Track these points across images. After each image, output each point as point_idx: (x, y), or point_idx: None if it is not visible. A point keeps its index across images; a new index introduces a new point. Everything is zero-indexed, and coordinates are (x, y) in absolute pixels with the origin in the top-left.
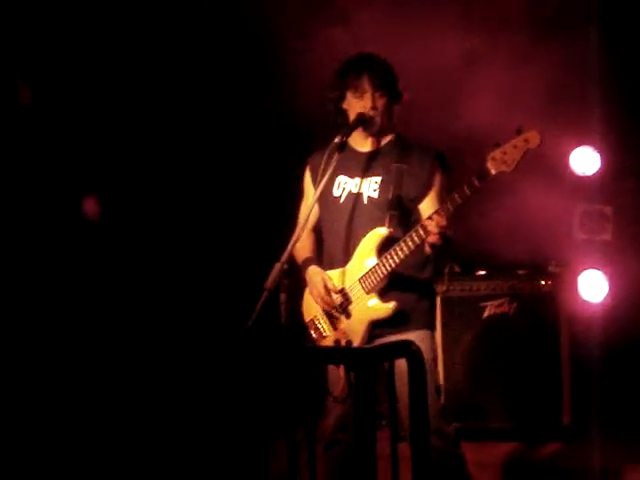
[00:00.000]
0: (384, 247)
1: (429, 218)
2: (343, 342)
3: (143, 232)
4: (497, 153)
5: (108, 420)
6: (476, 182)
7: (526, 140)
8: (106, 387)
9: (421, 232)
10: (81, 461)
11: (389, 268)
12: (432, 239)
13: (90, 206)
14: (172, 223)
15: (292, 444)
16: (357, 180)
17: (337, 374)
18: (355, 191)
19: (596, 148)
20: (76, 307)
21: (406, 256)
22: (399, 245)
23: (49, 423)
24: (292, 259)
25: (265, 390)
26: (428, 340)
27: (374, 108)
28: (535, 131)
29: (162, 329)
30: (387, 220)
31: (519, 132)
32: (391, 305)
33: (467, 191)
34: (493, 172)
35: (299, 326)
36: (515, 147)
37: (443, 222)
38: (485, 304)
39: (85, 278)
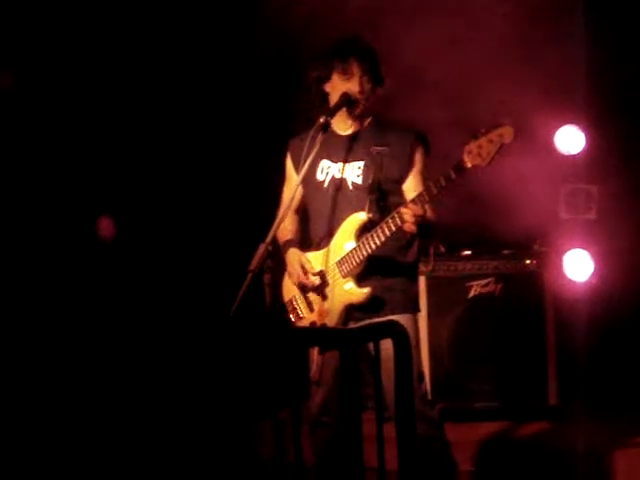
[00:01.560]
0: (363, 232)
1: (405, 206)
2: (319, 324)
3: (126, 213)
4: (473, 146)
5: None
6: (452, 174)
7: (501, 135)
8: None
9: (397, 220)
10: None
11: (366, 253)
12: (408, 227)
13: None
14: (155, 206)
15: (278, 425)
16: (340, 165)
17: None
18: (338, 176)
19: (581, 127)
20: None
21: (383, 242)
22: (376, 231)
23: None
24: (275, 241)
25: (251, 371)
26: (411, 324)
27: (361, 92)
28: (510, 126)
29: (147, 312)
30: (367, 205)
31: (494, 126)
32: (365, 290)
33: (443, 182)
34: (469, 165)
35: (283, 307)
36: (490, 141)
37: (419, 211)
38: (471, 284)
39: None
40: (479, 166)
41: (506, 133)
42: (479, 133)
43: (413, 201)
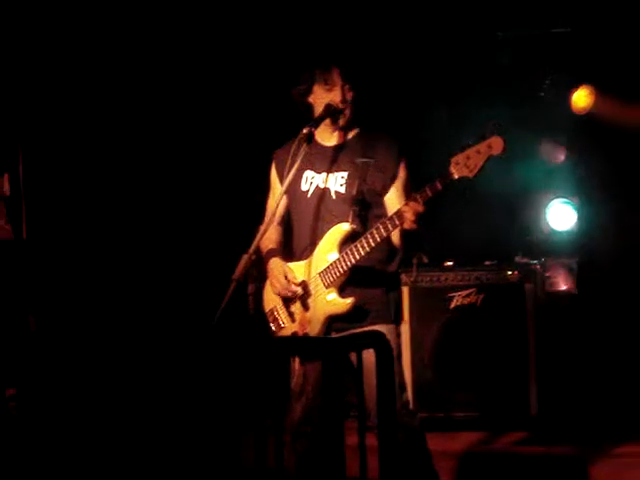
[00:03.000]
0: (346, 242)
1: (405, 204)
2: (300, 334)
3: (110, 220)
4: (460, 157)
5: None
6: (438, 185)
7: (490, 146)
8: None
9: (396, 220)
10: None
11: (350, 263)
12: (408, 225)
13: None
14: (139, 215)
15: (260, 434)
16: (324, 175)
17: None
18: (322, 186)
19: (561, 142)
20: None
21: (367, 253)
22: (360, 241)
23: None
24: (258, 251)
25: (233, 381)
26: (392, 334)
27: (344, 101)
28: (499, 137)
29: (129, 320)
30: (350, 215)
31: (483, 137)
32: (349, 301)
33: (429, 193)
34: (456, 176)
35: (264, 316)
36: (479, 152)
37: (420, 208)
38: (453, 294)
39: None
40: (466, 177)
41: (495, 144)
42: (466, 145)
43: (414, 198)
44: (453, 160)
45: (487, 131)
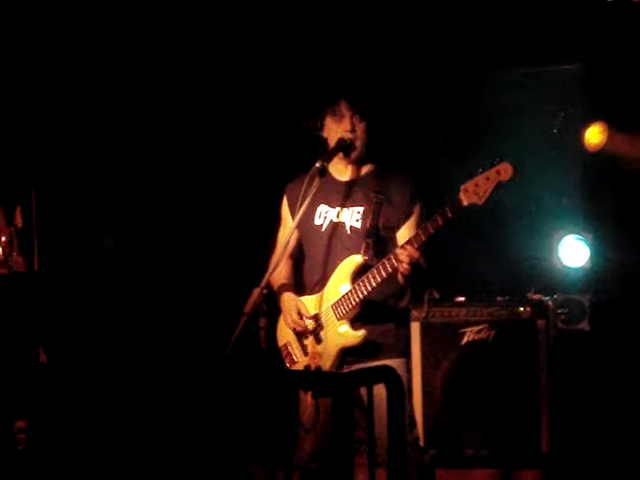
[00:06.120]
0: (359, 274)
1: (401, 247)
2: (313, 367)
3: (123, 251)
4: (469, 185)
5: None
6: (448, 213)
7: (498, 172)
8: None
9: (393, 261)
10: None
11: (362, 295)
12: (402, 268)
13: None
14: (150, 245)
15: (270, 470)
16: (338, 209)
17: (305, 401)
18: (336, 220)
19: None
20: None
21: (378, 284)
22: (372, 273)
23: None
24: (269, 285)
25: (243, 415)
26: (402, 369)
27: (353, 131)
28: (508, 163)
29: (140, 353)
30: (363, 248)
31: (492, 164)
32: (360, 333)
33: (440, 221)
34: (465, 203)
35: (278, 351)
36: (487, 179)
37: (414, 253)
38: (464, 330)
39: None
40: (475, 204)
41: (504, 170)
42: (476, 172)
43: (409, 242)
44: (462, 188)
45: (495, 159)
